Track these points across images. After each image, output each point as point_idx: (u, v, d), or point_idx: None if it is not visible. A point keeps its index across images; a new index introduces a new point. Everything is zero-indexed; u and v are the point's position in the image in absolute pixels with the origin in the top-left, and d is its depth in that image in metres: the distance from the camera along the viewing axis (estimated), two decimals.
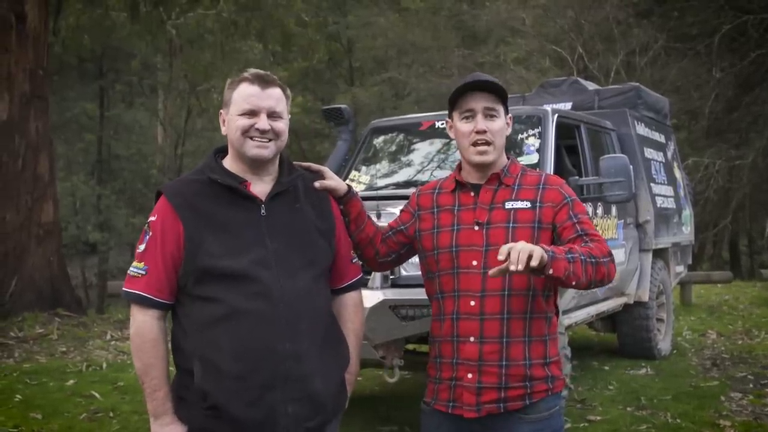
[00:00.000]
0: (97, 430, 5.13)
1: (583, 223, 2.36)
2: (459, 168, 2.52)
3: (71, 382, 6.44)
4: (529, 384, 2.34)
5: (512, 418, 2.35)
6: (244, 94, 2.24)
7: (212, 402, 2.12)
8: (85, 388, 6.20)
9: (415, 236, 2.54)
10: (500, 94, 2.41)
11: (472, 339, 2.34)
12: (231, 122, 2.25)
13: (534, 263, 2.03)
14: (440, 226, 2.45)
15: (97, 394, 5.97)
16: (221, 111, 2.31)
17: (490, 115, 2.40)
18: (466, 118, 2.41)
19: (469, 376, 2.35)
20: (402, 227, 2.58)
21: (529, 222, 2.35)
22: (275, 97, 2.27)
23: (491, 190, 2.42)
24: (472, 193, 2.43)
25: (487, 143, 2.38)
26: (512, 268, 2.04)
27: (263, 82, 2.26)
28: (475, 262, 2.35)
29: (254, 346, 2.14)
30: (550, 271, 2.10)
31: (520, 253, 2.03)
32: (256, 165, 2.27)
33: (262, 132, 2.23)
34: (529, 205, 2.37)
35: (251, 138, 2.23)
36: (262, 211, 2.24)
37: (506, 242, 2.29)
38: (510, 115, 2.49)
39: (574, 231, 2.34)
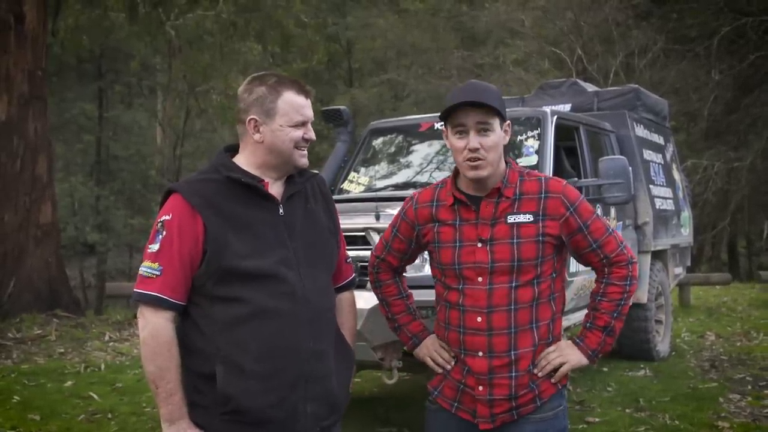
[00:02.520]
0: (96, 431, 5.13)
1: (593, 231, 2.36)
2: (455, 174, 2.44)
3: (69, 383, 6.43)
4: (536, 385, 2.35)
5: (517, 420, 2.36)
6: (296, 105, 2.24)
7: (234, 405, 2.10)
8: (83, 389, 6.19)
9: (421, 245, 2.52)
10: (494, 107, 2.31)
11: (480, 354, 2.34)
12: (281, 133, 2.22)
13: (554, 380, 2.38)
14: (441, 241, 2.40)
15: (95, 396, 5.96)
16: (254, 117, 2.22)
17: (483, 129, 2.30)
18: (459, 133, 2.33)
19: (480, 388, 2.35)
20: (411, 248, 2.57)
21: (532, 236, 2.32)
22: (311, 105, 2.30)
23: (492, 203, 2.35)
24: (473, 207, 2.37)
25: (480, 159, 2.30)
26: (536, 371, 2.37)
27: (305, 91, 2.27)
28: (480, 279, 2.33)
29: (280, 346, 2.14)
30: (601, 356, 2.44)
31: (547, 366, 2.37)
32: (290, 172, 2.30)
33: (308, 141, 2.27)
34: (531, 218, 2.33)
35: (298, 148, 2.25)
36: (281, 210, 2.24)
37: (512, 258, 2.31)
38: (508, 121, 2.38)
39: (587, 244, 2.37)
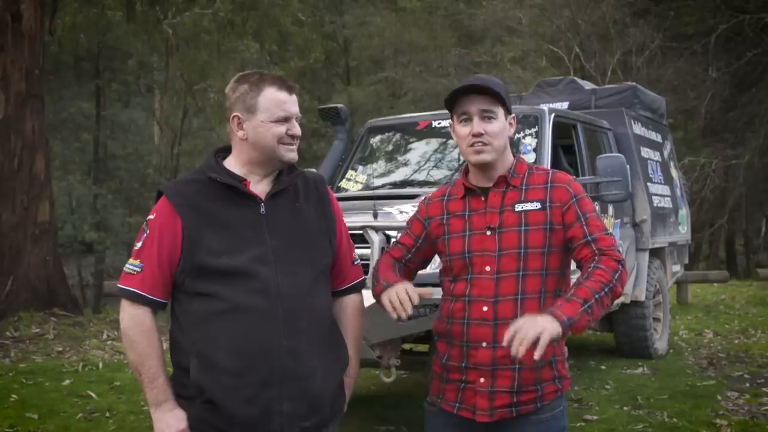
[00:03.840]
0: (94, 430, 5.12)
1: (591, 224, 2.33)
2: (466, 171, 2.48)
3: (67, 381, 6.42)
4: (540, 387, 2.34)
5: (517, 420, 2.35)
6: (277, 101, 2.24)
7: (208, 397, 2.14)
8: (81, 387, 6.18)
9: (431, 243, 2.50)
10: (498, 96, 2.35)
11: (484, 344, 2.33)
12: (262, 129, 2.23)
13: (537, 354, 2.00)
14: (451, 232, 2.42)
15: (93, 394, 5.96)
16: (237, 114, 2.25)
17: (487, 117, 2.35)
18: (464, 120, 2.38)
19: (482, 380, 2.34)
20: (417, 244, 2.53)
21: (540, 224, 2.33)
22: (296, 102, 2.30)
23: (500, 192, 2.39)
24: (482, 197, 2.40)
25: (484, 144, 2.34)
26: (512, 353, 2.04)
27: (288, 87, 2.27)
28: (488, 268, 2.33)
29: (252, 342, 2.14)
30: (570, 334, 2.09)
31: (524, 341, 2.02)
32: (278, 167, 2.30)
33: (293, 137, 2.27)
34: (539, 206, 2.34)
35: (283, 144, 2.26)
36: (262, 209, 2.24)
37: (519, 245, 2.30)
38: (513, 114, 2.43)
39: (583, 235, 2.32)
